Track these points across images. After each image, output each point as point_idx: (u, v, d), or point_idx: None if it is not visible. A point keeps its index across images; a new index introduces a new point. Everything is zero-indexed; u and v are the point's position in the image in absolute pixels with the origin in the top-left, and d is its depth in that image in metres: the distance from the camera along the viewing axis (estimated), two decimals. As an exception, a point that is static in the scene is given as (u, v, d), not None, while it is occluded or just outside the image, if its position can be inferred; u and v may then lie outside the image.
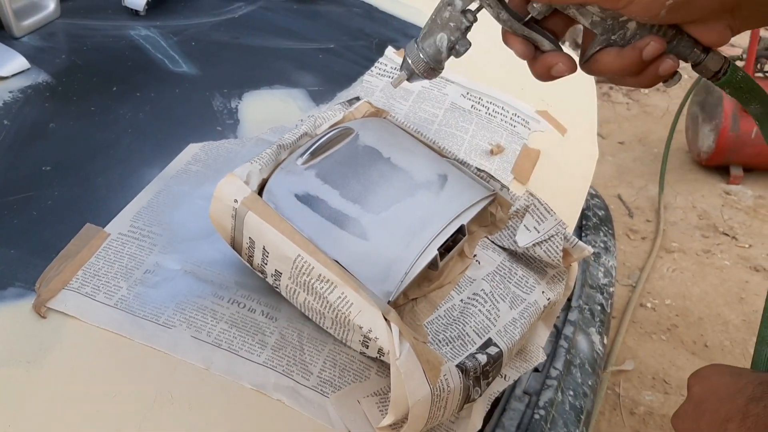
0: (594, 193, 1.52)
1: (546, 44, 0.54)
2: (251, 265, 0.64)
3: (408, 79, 0.60)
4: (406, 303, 0.67)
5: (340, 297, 0.58)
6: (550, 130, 1.07)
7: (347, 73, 1.04)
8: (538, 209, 0.74)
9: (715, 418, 0.48)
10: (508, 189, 0.77)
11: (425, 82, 1.06)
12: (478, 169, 0.78)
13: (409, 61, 0.59)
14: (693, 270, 2.20)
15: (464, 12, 0.56)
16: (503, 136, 1.01)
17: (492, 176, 0.77)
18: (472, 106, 1.05)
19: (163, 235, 0.71)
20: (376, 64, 1.08)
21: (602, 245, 1.37)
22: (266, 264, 0.62)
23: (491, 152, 0.98)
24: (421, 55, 0.58)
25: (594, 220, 1.43)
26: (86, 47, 0.99)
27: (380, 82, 1.05)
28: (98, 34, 1.02)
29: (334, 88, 1.00)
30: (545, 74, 0.55)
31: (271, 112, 0.92)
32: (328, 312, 0.60)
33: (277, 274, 0.62)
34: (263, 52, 1.06)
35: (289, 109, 0.94)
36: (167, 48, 1.00)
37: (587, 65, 0.54)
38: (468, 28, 0.57)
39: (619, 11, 0.49)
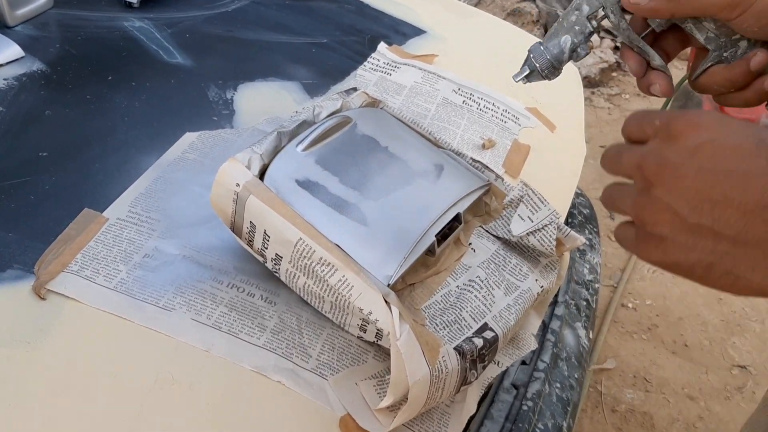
0: (579, 192, 1.54)
1: (656, 59, 0.58)
2: (251, 249, 0.65)
3: (527, 77, 0.63)
4: (404, 288, 0.68)
5: (340, 280, 0.59)
6: (540, 126, 1.09)
7: (341, 67, 1.05)
8: (532, 199, 0.75)
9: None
10: (503, 179, 0.79)
11: (417, 78, 1.08)
12: (473, 160, 0.79)
13: (533, 59, 0.61)
14: (673, 271, 2.23)
15: (589, 18, 0.59)
16: (494, 131, 1.03)
17: (487, 167, 0.79)
18: (464, 101, 1.06)
19: (162, 220, 0.71)
20: (369, 59, 1.09)
21: (588, 242, 1.39)
22: (266, 248, 0.63)
23: (483, 146, 0.99)
24: (546, 54, 0.61)
25: (579, 218, 1.45)
26: (80, 37, 0.99)
27: (373, 76, 1.06)
28: (92, 25, 1.02)
29: (327, 82, 1.01)
30: (645, 89, 0.59)
31: (267, 103, 0.93)
32: (327, 295, 0.61)
33: (278, 258, 0.63)
34: (257, 45, 1.07)
35: (284, 100, 0.94)
36: (161, 39, 1.00)
37: (697, 81, 0.58)
38: (591, 34, 0.60)
39: (732, 23, 0.52)
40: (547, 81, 0.64)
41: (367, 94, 0.81)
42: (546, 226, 0.73)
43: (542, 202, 0.75)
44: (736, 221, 0.39)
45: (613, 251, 2.32)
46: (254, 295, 0.66)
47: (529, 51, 0.62)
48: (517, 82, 0.63)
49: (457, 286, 0.70)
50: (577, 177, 1.12)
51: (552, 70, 0.62)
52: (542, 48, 0.61)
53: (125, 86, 0.89)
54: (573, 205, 1.47)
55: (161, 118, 0.85)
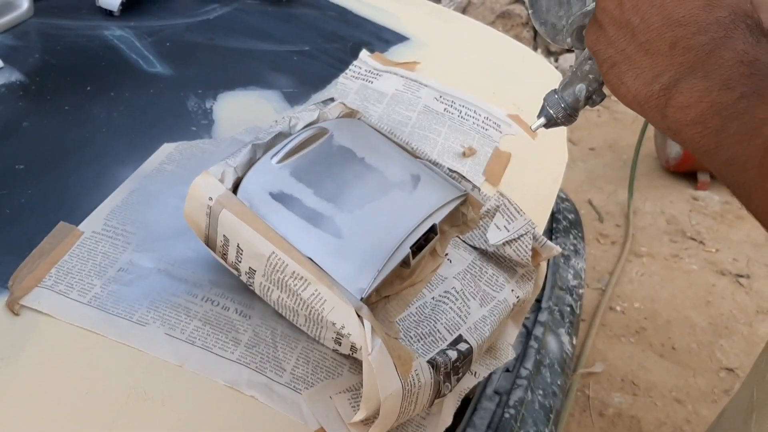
0: (564, 197, 1.54)
1: None
2: (225, 262, 0.65)
3: (545, 126, 0.64)
4: (379, 300, 0.68)
5: (313, 294, 0.59)
6: (521, 133, 1.09)
7: (322, 75, 1.05)
8: (508, 209, 0.76)
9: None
10: (479, 189, 0.79)
11: (399, 85, 1.08)
12: (450, 170, 0.79)
13: (549, 109, 0.62)
14: (661, 274, 2.24)
15: None
16: (475, 138, 1.03)
17: (464, 177, 0.79)
18: (445, 109, 1.07)
19: (137, 233, 0.71)
20: (350, 67, 1.09)
21: (572, 248, 1.39)
22: (240, 262, 0.63)
23: (463, 154, 0.99)
24: (561, 104, 0.61)
25: (564, 223, 1.45)
26: (60, 47, 0.98)
27: (354, 84, 1.06)
28: (72, 34, 1.02)
29: (308, 90, 1.01)
30: None
31: (246, 112, 0.93)
32: (301, 309, 0.61)
33: (251, 272, 0.63)
34: (238, 53, 1.07)
35: (264, 110, 0.94)
36: (141, 48, 1.00)
37: None
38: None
39: None
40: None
41: (344, 104, 0.81)
42: (522, 236, 0.74)
43: (518, 212, 0.75)
44: (653, 29, 0.45)
45: (601, 254, 2.33)
46: (228, 309, 0.66)
47: (544, 100, 0.63)
48: (535, 131, 0.64)
49: (433, 298, 0.70)
50: (559, 183, 1.12)
51: (568, 117, 0.62)
52: (557, 97, 0.62)
53: (104, 96, 0.89)
54: (558, 210, 1.47)
55: (139, 128, 0.85)
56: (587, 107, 0.62)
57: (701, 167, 2.61)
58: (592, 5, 0.57)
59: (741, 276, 2.25)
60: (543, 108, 0.63)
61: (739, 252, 2.36)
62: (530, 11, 0.63)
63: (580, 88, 0.60)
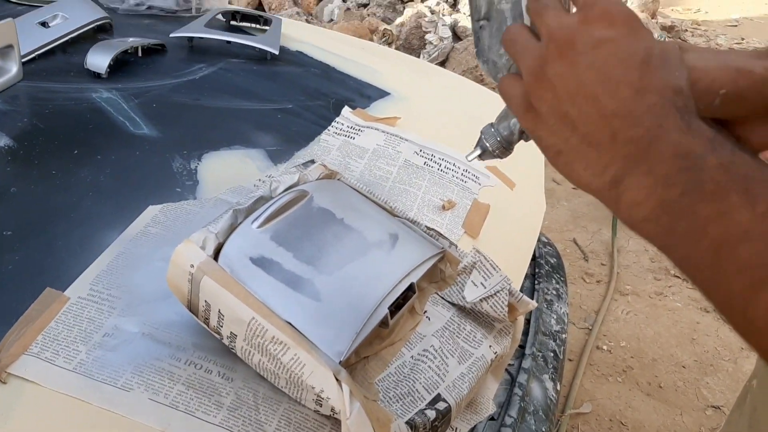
0: (546, 240, 1.57)
1: None
2: (207, 326, 0.66)
3: (480, 156, 0.65)
4: (358, 361, 0.70)
5: (293, 358, 0.61)
6: (500, 185, 1.12)
7: (305, 132, 1.08)
8: (484, 265, 0.78)
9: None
10: (456, 246, 0.81)
11: (380, 140, 1.11)
12: (428, 228, 0.82)
13: (485, 141, 0.63)
14: (646, 312, 2.27)
15: None
16: (455, 191, 1.06)
17: (441, 234, 0.81)
18: (425, 162, 1.10)
19: (122, 297, 0.73)
20: (333, 124, 1.12)
21: (554, 293, 1.41)
22: (222, 326, 0.65)
23: (443, 208, 1.02)
24: (497, 136, 0.62)
25: (546, 267, 1.48)
26: (48, 110, 1.01)
27: (337, 140, 1.09)
28: (60, 97, 1.05)
29: (291, 148, 1.04)
30: None
31: (230, 172, 0.96)
32: (282, 372, 0.63)
33: (233, 336, 0.64)
34: (223, 112, 1.10)
35: (248, 169, 0.97)
36: (128, 110, 1.03)
37: None
38: None
39: None
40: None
41: (324, 166, 0.84)
42: (498, 292, 0.76)
43: (494, 269, 0.77)
44: (592, 121, 0.45)
45: (587, 293, 2.35)
46: (211, 372, 0.67)
47: (481, 132, 0.64)
48: (469, 161, 0.65)
49: (412, 357, 0.72)
50: (537, 232, 1.15)
51: (503, 150, 0.63)
52: (493, 130, 0.63)
53: (91, 159, 0.91)
54: (540, 255, 1.49)
55: (125, 191, 0.88)
56: (523, 141, 0.63)
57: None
58: None
59: (725, 313, 2.27)
60: (479, 139, 0.64)
61: (723, 288, 2.38)
62: (475, 49, 0.65)
63: (515, 122, 0.61)
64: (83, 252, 0.77)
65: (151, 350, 0.68)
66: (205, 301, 0.64)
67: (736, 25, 5.13)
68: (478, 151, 0.65)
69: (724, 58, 0.52)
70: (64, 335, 0.68)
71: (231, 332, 0.64)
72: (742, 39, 4.80)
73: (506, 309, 0.76)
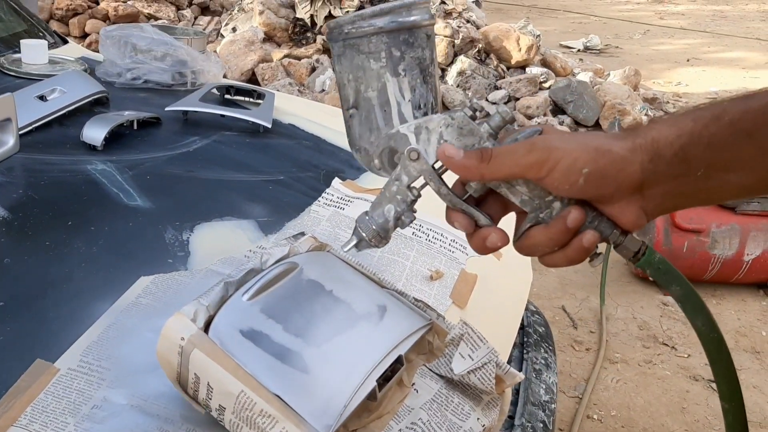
0: (534, 309, 1.58)
1: (482, 219, 0.61)
2: (196, 400, 0.67)
3: (356, 246, 0.65)
4: (346, 434, 0.70)
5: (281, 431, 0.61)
6: (487, 255, 1.14)
7: (296, 204, 1.11)
8: (471, 337, 0.79)
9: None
10: (444, 318, 0.82)
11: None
12: (416, 299, 0.83)
13: (360, 230, 0.64)
14: (636, 380, 2.26)
15: (410, 187, 0.62)
16: (442, 261, 1.07)
17: (429, 306, 0.83)
18: (413, 233, 1.12)
19: (112, 369, 0.73)
20: (323, 195, 1.14)
21: (543, 362, 1.41)
22: (211, 399, 0.65)
23: (431, 278, 1.03)
24: (372, 225, 0.63)
25: (535, 336, 1.48)
26: (44, 182, 1.03)
27: (327, 211, 1.11)
28: (56, 169, 1.07)
29: (282, 219, 1.06)
30: (481, 246, 0.61)
31: (222, 243, 0.97)
32: (270, 445, 0.63)
33: (221, 409, 0.65)
34: (215, 184, 1.12)
35: (239, 240, 0.99)
36: (122, 182, 1.05)
37: (519, 243, 0.61)
38: (413, 202, 0.62)
39: (543, 182, 0.57)
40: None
41: (314, 238, 0.85)
42: (486, 364, 0.77)
43: (481, 341, 0.78)
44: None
45: (577, 361, 2.35)
46: (200, 445, 0.67)
47: (356, 221, 0.65)
48: (346, 252, 0.65)
49: (400, 430, 0.72)
50: (524, 303, 1.16)
51: (379, 238, 0.64)
52: (367, 218, 0.63)
53: (84, 231, 0.93)
54: (528, 324, 1.50)
55: (118, 262, 0.89)
56: (398, 228, 0.64)
57: (669, 273, 2.68)
58: (398, 128, 0.60)
59: (713, 381, 2.26)
60: (354, 229, 0.65)
61: (712, 357, 2.38)
62: (347, 140, 0.66)
63: (389, 209, 0.62)
64: (74, 323, 0.78)
65: (140, 423, 0.68)
66: (195, 373, 0.65)
67: (715, 98, 5.28)
68: (354, 241, 0.65)
69: (583, 139, 0.57)
70: (53, 407, 0.68)
71: (219, 405, 0.64)
72: (722, 110, 4.93)
73: (494, 381, 0.77)
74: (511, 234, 0.62)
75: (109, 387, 0.71)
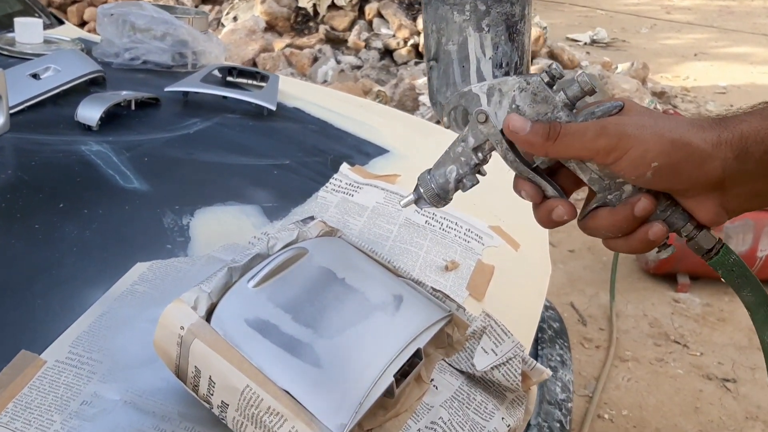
0: (548, 305, 1.52)
1: (550, 190, 0.56)
2: (197, 395, 0.61)
3: (416, 203, 0.62)
4: (361, 434, 0.64)
5: (290, 431, 0.55)
6: (504, 245, 1.08)
7: (302, 189, 1.04)
8: (495, 330, 0.73)
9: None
10: (465, 309, 0.76)
11: (380, 198, 1.07)
12: (434, 289, 0.77)
13: (420, 187, 0.60)
14: (647, 379, 2.20)
15: (475, 149, 0.57)
16: (457, 251, 1.01)
17: (448, 296, 0.76)
18: (426, 221, 1.05)
19: (104, 362, 0.67)
20: (331, 180, 1.08)
21: (558, 359, 1.35)
22: (212, 395, 0.59)
23: (446, 268, 0.97)
24: (431, 184, 0.59)
25: (549, 332, 1.42)
26: (34, 162, 0.97)
27: (335, 197, 1.05)
28: (48, 149, 1.01)
29: (288, 204, 1.00)
30: (546, 218, 0.57)
31: (224, 229, 0.91)
32: (277, 447, 0.57)
33: (224, 406, 0.59)
34: (217, 168, 1.06)
35: (243, 225, 0.93)
36: (119, 164, 0.99)
37: (583, 222, 0.57)
38: (477, 165, 0.58)
39: (610, 168, 0.52)
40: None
41: (324, 222, 0.79)
42: (511, 359, 0.70)
43: (506, 334, 0.72)
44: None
45: (586, 359, 2.28)
46: (199, 446, 0.61)
47: (418, 178, 0.61)
48: (403, 207, 0.62)
49: (419, 430, 0.66)
50: (543, 296, 1.10)
51: (437, 199, 0.60)
52: (428, 177, 0.60)
53: (77, 214, 0.87)
54: (542, 320, 1.44)
55: (112, 247, 0.83)
56: (460, 191, 0.60)
57: (681, 269, 2.62)
58: (469, 87, 0.56)
59: (727, 380, 2.21)
60: (416, 186, 0.61)
61: (724, 355, 2.33)
62: (427, 92, 0.62)
63: (451, 170, 0.58)
64: (64, 312, 0.72)
65: (133, 421, 0.62)
66: (195, 366, 0.59)
67: (724, 93, 5.22)
68: (412, 197, 0.62)
69: (662, 127, 0.51)
70: (38, 403, 0.62)
71: (222, 401, 0.58)
72: (731, 106, 4.87)
73: (519, 378, 0.70)
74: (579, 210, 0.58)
75: (100, 381, 0.65)
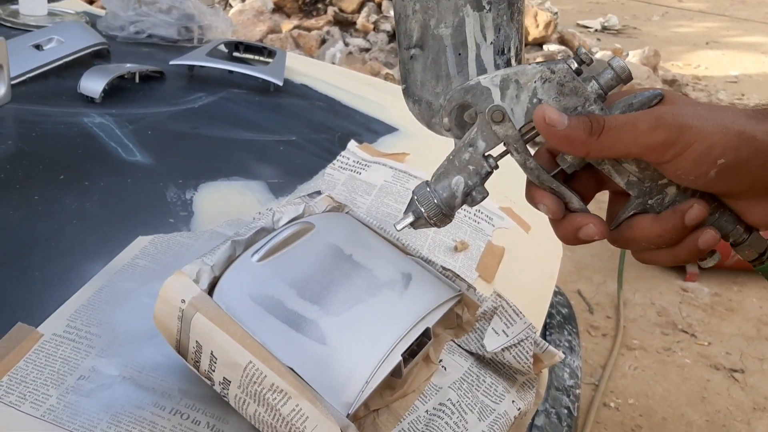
0: (557, 290, 1.49)
1: (575, 202, 0.49)
2: (198, 371, 0.58)
3: (412, 224, 0.53)
4: (367, 415, 0.62)
5: (294, 409, 0.53)
6: (514, 227, 1.06)
7: (308, 166, 1.02)
8: (506, 311, 0.70)
9: None
10: (475, 289, 0.74)
11: (388, 177, 1.04)
12: (444, 268, 0.74)
13: (418, 204, 0.51)
14: (655, 368, 2.18)
15: (486, 156, 0.50)
16: (467, 232, 0.99)
17: (458, 276, 0.74)
18: (436, 201, 1.03)
19: (103, 336, 0.65)
20: (338, 158, 1.05)
21: (567, 344, 1.33)
22: (214, 371, 0.57)
23: (455, 249, 0.95)
24: (434, 199, 0.51)
25: (558, 318, 1.40)
26: (35, 133, 0.95)
27: (342, 175, 1.02)
28: (49, 121, 0.98)
29: (294, 181, 0.97)
30: (571, 236, 0.50)
31: (228, 204, 0.89)
32: (280, 425, 0.55)
33: (226, 383, 0.56)
34: (222, 142, 1.04)
35: (247, 201, 0.90)
36: (122, 136, 0.97)
37: (618, 231, 0.49)
38: (488, 174, 0.51)
39: (663, 168, 0.45)
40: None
41: (331, 197, 0.77)
42: (522, 341, 0.68)
43: (517, 315, 0.70)
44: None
45: (593, 347, 2.26)
46: (200, 423, 0.59)
47: (413, 193, 0.52)
48: (399, 231, 0.53)
49: (426, 411, 0.64)
50: (554, 280, 1.08)
51: (442, 217, 0.52)
52: (428, 190, 0.51)
53: (77, 186, 0.84)
54: (551, 305, 1.42)
55: (113, 220, 0.80)
56: (466, 206, 0.52)
57: (689, 258, 2.59)
58: (477, 79, 0.48)
59: (735, 371, 2.19)
60: (411, 202, 0.52)
61: (732, 345, 2.30)
62: (402, 87, 0.52)
63: (458, 181, 0.50)
64: (62, 284, 0.70)
65: (132, 397, 0.60)
66: (197, 341, 0.57)
67: (735, 82, 5.15)
68: (411, 218, 0.52)
69: (723, 118, 0.44)
70: (34, 376, 0.60)
71: (224, 378, 0.56)
72: (743, 95, 4.82)
73: (531, 360, 0.68)
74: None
75: (98, 356, 0.63)
